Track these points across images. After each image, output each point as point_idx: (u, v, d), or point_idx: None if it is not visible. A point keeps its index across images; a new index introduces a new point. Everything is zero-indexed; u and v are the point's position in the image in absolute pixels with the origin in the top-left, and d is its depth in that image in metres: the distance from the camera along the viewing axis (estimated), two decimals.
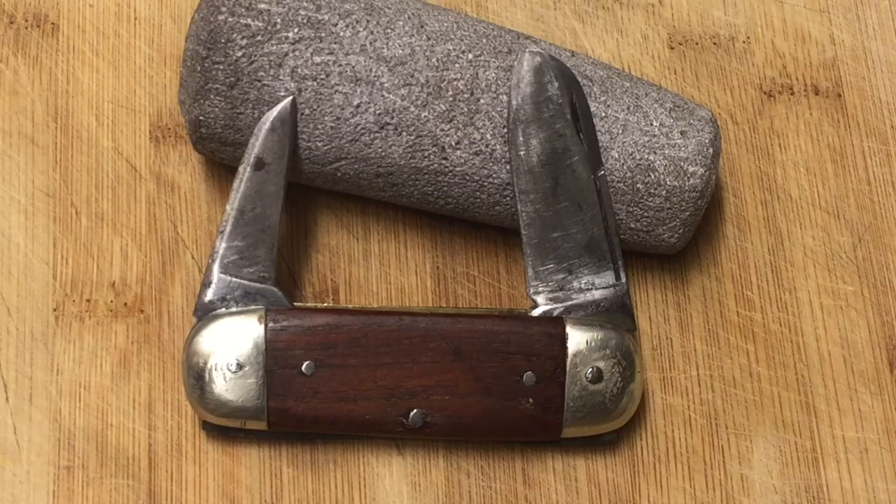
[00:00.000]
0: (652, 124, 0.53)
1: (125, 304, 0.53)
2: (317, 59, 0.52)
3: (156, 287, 0.54)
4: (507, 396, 0.51)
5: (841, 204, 0.58)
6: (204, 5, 0.52)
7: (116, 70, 0.57)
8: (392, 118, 0.52)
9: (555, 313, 0.52)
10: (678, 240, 0.54)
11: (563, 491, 0.53)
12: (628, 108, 0.54)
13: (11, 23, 0.57)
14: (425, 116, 0.52)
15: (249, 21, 0.52)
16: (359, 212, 0.56)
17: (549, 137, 0.52)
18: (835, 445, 0.54)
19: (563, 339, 0.51)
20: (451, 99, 0.53)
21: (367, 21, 0.53)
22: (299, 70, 0.52)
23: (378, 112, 0.52)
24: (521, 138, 0.52)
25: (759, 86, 0.59)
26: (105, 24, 0.57)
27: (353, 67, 0.52)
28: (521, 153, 0.52)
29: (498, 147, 0.53)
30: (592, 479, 0.53)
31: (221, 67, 0.52)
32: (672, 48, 0.60)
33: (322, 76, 0.52)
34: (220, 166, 0.55)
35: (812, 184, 0.58)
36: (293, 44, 0.52)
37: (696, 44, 0.60)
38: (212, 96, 0.52)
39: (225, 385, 0.50)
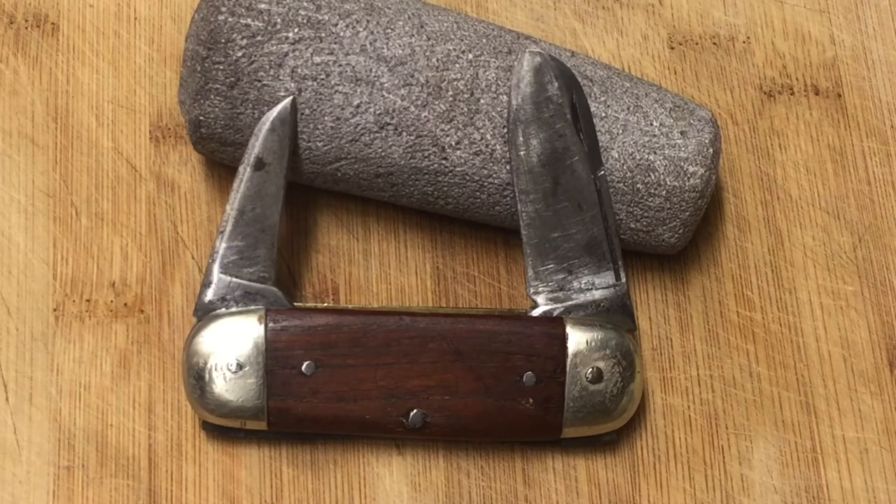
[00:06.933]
0: (652, 124, 0.53)
1: (125, 304, 0.53)
2: (317, 59, 0.52)
3: (156, 287, 0.54)
4: (507, 396, 0.51)
5: (841, 204, 0.58)
6: (204, 5, 0.52)
7: (116, 70, 0.57)
8: (392, 118, 0.52)
9: (555, 313, 0.52)
10: (678, 240, 0.54)
11: (563, 491, 0.53)
12: (628, 108, 0.54)
13: (11, 23, 0.57)
14: (425, 116, 0.52)
15: (249, 21, 0.52)
16: (359, 212, 0.56)
17: (549, 137, 0.52)
18: (835, 445, 0.54)
19: (563, 339, 0.51)
20: (451, 99, 0.53)
21: (367, 21, 0.53)
22: (299, 70, 0.52)
23: (378, 112, 0.52)
24: (521, 138, 0.52)
25: (759, 86, 0.59)
26: (105, 24, 0.57)
27: (353, 67, 0.52)
28: (521, 153, 0.52)
29: (498, 147, 0.53)
30: (592, 479, 0.53)
31: (221, 67, 0.52)
32: (672, 48, 0.60)
33: (322, 76, 0.52)
34: (220, 166, 0.55)
35: (812, 184, 0.58)
36: (293, 44, 0.52)
37: (696, 44, 0.60)
38: (212, 96, 0.52)
39: (225, 385, 0.50)
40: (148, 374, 0.53)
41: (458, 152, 0.53)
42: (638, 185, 0.53)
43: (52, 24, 0.57)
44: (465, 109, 0.53)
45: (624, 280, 0.53)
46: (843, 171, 0.58)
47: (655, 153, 0.53)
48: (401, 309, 0.53)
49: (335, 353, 0.50)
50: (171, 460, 0.52)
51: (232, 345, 0.50)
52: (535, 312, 0.52)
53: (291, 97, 0.52)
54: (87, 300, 0.53)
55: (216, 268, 0.51)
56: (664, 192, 0.53)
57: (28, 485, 0.51)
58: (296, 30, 0.52)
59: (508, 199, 0.53)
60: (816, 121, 0.59)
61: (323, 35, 0.52)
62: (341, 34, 0.52)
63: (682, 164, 0.53)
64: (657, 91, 0.55)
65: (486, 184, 0.53)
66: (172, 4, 0.58)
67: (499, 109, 0.53)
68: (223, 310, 0.51)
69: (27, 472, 0.51)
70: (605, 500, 0.53)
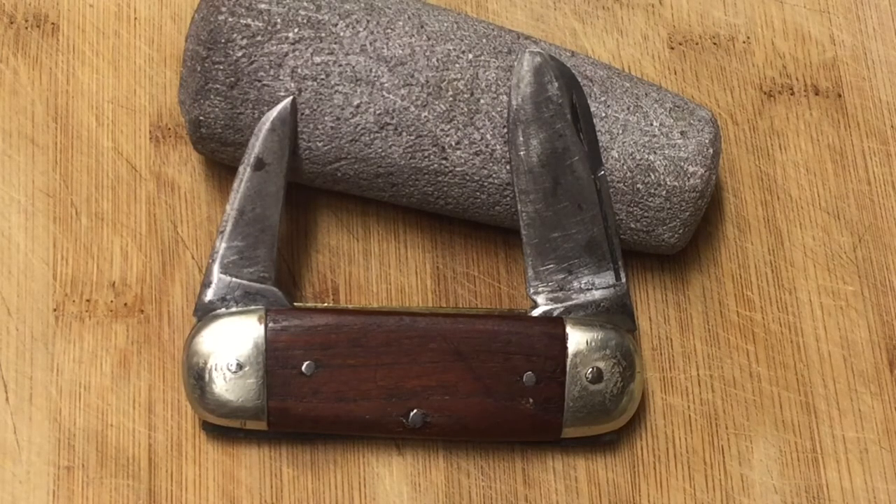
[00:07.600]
0: (652, 124, 0.53)
1: (125, 304, 0.53)
2: (317, 59, 0.52)
3: (156, 287, 0.54)
4: (507, 396, 0.51)
5: (841, 204, 0.58)
6: (204, 5, 0.52)
7: (116, 70, 0.57)
8: (392, 118, 0.52)
9: (555, 313, 0.52)
10: (678, 240, 0.54)
11: (563, 491, 0.53)
12: (628, 108, 0.54)
13: (11, 23, 0.57)
14: (425, 116, 0.52)
15: (249, 21, 0.52)
16: (359, 212, 0.56)
17: (549, 137, 0.52)
18: (835, 445, 0.54)
19: (563, 339, 0.51)
20: (451, 99, 0.53)
21: (367, 21, 0.53)
22: (299, 70, 0.52)
23: (378, 112, 0.52)
24: (521, 138, 0.52)
25: (759, 86, 0.59)
26: (105, 24, 0.57)
27: (353, 67, 0.52)
28: (521, 153, 0.52)
29: (498, 147, 0.53)
30: (592, 479, 0.53)
31: (221, 67, 0.52)
32: (672, 48, 0.60)
33: (322, 76, 0.52)
34: (220, 166, 0.55)
35: (812, 184, 0.58)
36: (293, 44, 0.52)
37: (696, 44, 0.60)
38: (212, 96, 0.52)
39: (225, 385, 0.50)
40: (148, 374, 0.53)
41: (458, 152, 0.53)
42: (638, 185, 0.53)
43: (52, 24, 0.57)
44: (465, 109, 0.53)
45: (624, 280, 0.53)
46: (843, 171, 0.58)
47: (655, 153, 0.53)
48: (401, 309, 0.53)
49: (335, 353, 0.50)
50: (171, 460, 0.52)
51: (232, 345, 0.50)
52: (535, 312, 0.52)
53: (291, 97, 0.52)
54: (87, 300, 0.53)
55: (216, 268, 0.51)
56: (664, 192, 0.53)
57: (28, 485, 0.51)
58: (296, 30, 0.52)
59: (508, 199, 0.53)
60: (816, 121, 0.59)
61: (323, 35, 0.52)
62: (341, 34, 0.52)
63: (682, 164, 0.53)
64: (657, 91, 0.55)
65: (486, 184, 0.53)
66: (172, 4, 0.58)
67: (499, 109, 0.53)
68: (223, 310, 0.51)
69: (27, 472, 0.51)
70: (605, 500, 0.53)
